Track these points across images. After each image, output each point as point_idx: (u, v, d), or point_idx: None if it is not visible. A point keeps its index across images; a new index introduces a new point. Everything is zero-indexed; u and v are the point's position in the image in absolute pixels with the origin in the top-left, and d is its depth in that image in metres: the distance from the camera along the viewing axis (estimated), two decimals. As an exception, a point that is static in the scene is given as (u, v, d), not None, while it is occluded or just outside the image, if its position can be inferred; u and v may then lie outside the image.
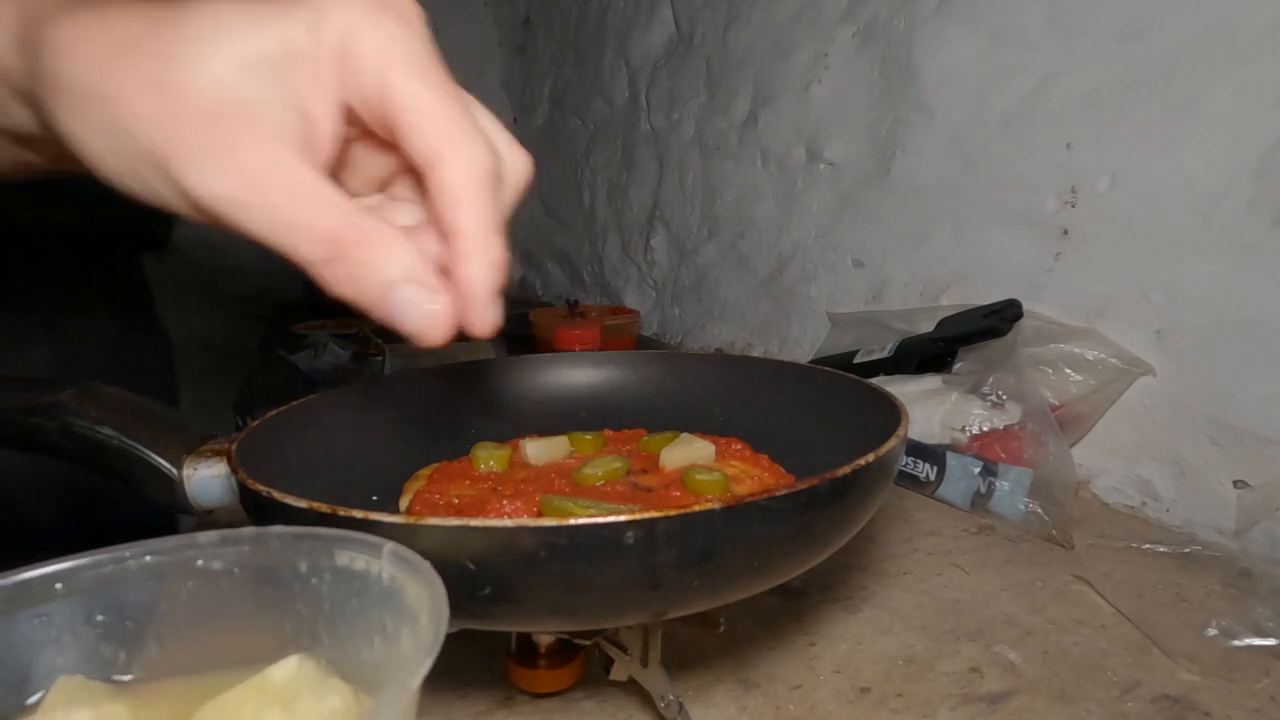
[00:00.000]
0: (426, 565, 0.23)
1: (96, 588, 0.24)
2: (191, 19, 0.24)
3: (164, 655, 0.24)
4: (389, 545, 0.23)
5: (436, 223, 0.27)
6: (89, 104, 0.23)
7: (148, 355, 0.91)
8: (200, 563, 0.25)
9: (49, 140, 0.26)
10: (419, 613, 0.21)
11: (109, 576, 0.24)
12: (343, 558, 0.24)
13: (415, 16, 0.26)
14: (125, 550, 0.24)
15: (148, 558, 0.24)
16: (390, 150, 0.29)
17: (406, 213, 0.30)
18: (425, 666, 0.19)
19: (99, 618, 0.24)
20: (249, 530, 0.25)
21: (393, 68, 0.25)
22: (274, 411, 0.43)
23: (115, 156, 0.24)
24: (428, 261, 0.26)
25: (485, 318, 0.27)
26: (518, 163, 0.29)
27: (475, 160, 0.26)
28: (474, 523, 0.28)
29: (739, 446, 0.49)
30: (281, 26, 0.24)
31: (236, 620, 0.25)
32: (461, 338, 0.28)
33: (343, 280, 0.25)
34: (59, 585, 0.23)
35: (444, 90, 0.26)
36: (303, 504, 0.29)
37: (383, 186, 0.32)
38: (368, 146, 0.30)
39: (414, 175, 0.29)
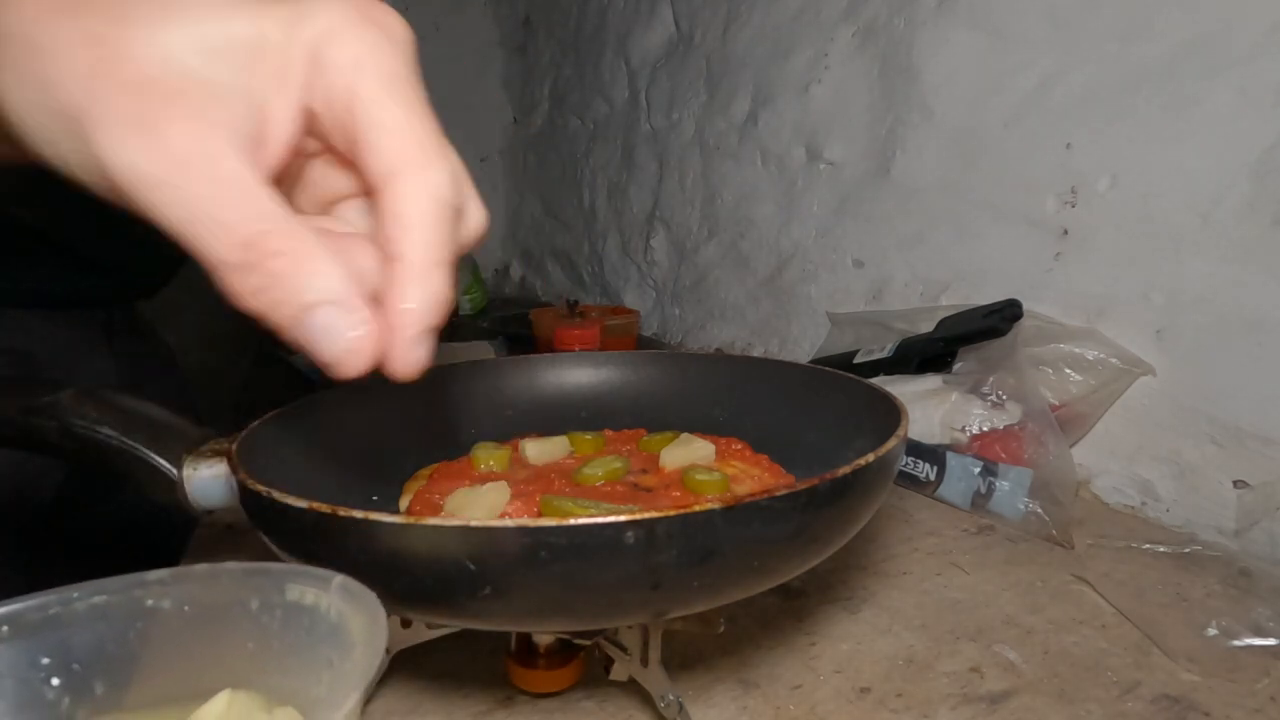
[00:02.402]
0: (372, 596, 0.22)
1: (43, 630, 0.24)
2: None
3: (108, 696, 0.24)
4: (338, 578, 0.23)
5: (381, 245, 0.24)
6: (23, 53, 0.21)
7: (156, 381, 0.91)
8: (150, 602, 0.24)
9: None
10: (358, 641, 0.21)
11: (56, 619, 0.24)
12: (293, 592, 0.24)
13: (402, 35, 0.25)
14: (73, 591, 0.24)
15: (96, 598, 0.24)
16: (349, 170, 0.27)
17: (349, 222, 0.28)
18: (352, 699, 0.18)
19: (44, 660, 0.24)
20: (201, 567, 0.24)
21: (365, 77, 0.23)
22: (274, 411, 0.43)
23: (36, 114, 0.21)
24: (357, 282, 0.23)
25: (409, 358, 0.24)
26: (477, 212, 0.27)
27: (435, 184, 0.24)
28: (474, 523, 0.28)
29: (739, 446, 0.49)
30: (256, 17, 0.23)
31: (184, 658, 0.25)
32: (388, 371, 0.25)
33: (254, 293, 0.22)
34: (5, 628, 0.23)
35: (416, 109, 0.24)
36: (303, 504, 0.29)
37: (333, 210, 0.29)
38: (326, 164, 0.27)
39: (371, 198, 0.27)
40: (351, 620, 0.22)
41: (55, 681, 0.24)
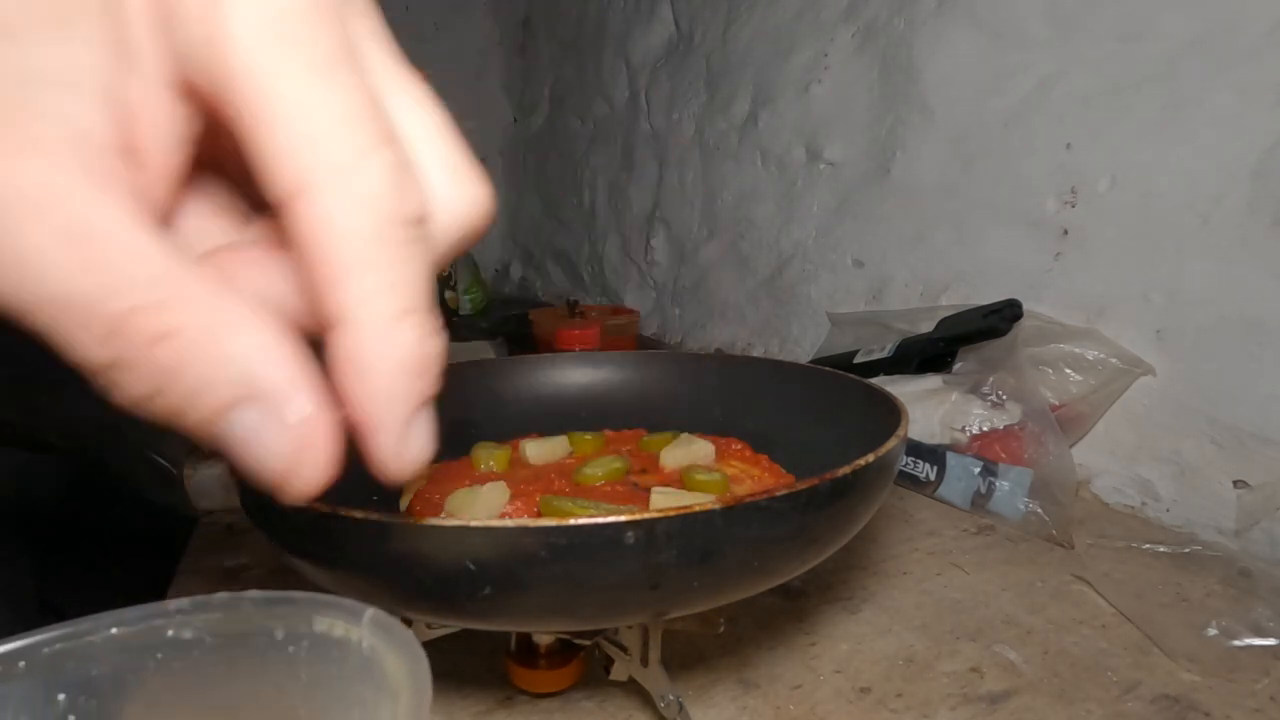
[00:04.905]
0: (409, 634, 0.21)
1: (59, 663, 0.22)
2: None
3: None
4: (370, 611, 0.22)
5: (310, 296, 0.17)
6: None
7: None
8: (170, 633, 0.23)
9: None
10: (399, 688, 0.20)
11: (71, 652, 0.23)
12: (321, 624, 0.23)
13: None
14: (89, 622, 0.23)
15: (113, 630, 0.23)
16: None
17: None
18: None
19: (60, 696, 0.22)
20: (222, 595, 0.24)
21: (232, 20, 0.14)
22: (274, 411, 0.43)
23: None
24: (293, 341, 0.16)
25: (398, 451, 0.17)
26: (463, 197, 0.18)
27: (369, 194, 0.15)
28: (474, 523, 0.28)
29: (739, 446, 0.49)
30: None
31: (206, 691, 0.24)
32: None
33: (145, 399, 0.16)
34: (21, 663, 0.22)
35: (326, 70, 0.15)
36: (302, 504, 0.29)
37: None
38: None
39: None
40: (385, 656, 0.21)
41: (72, 718, 0.22)
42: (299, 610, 0.23)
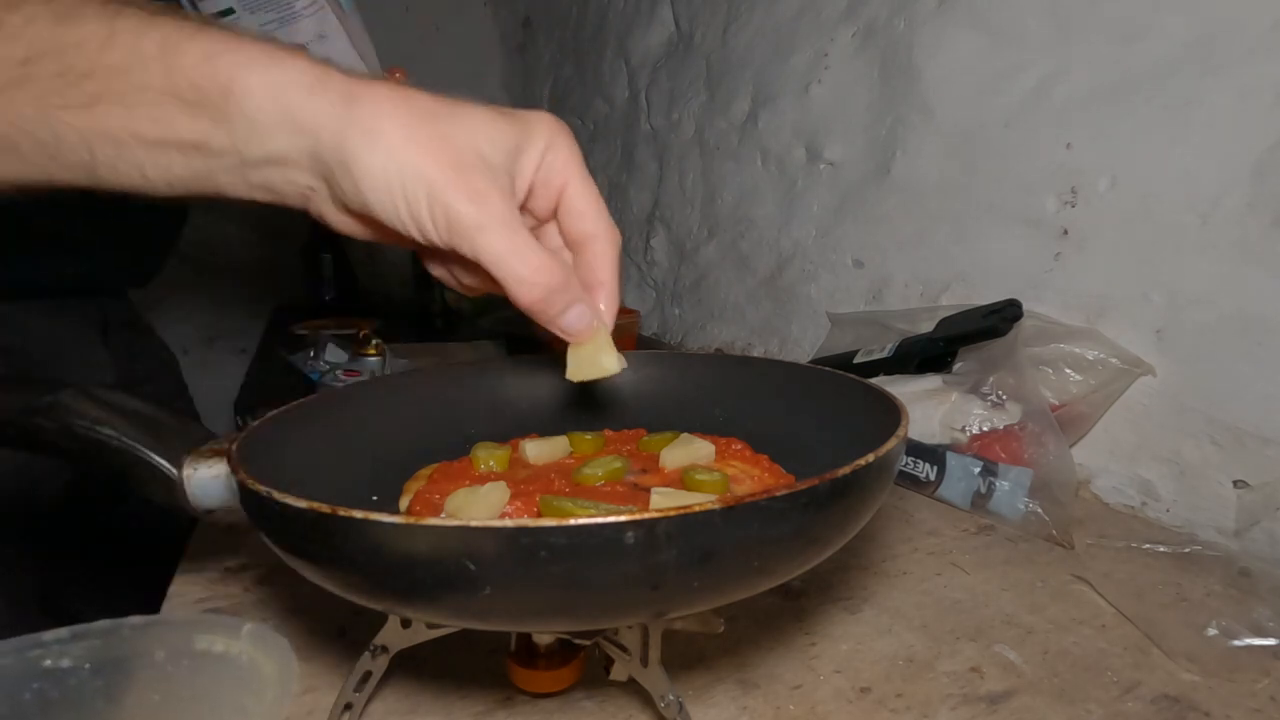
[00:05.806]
0: (283, 641, 0.22)
1: None
2: (464, 111, 0.36)
3: None
4: (247, 626, 0.23)
5: (586, 273, 0.41)
6: (391, 141, 0.34)
7: (154, 380, 0.91)
8: (48, 662, 0.23)
9: (272, 164, 0.35)
10: (266, 685, 0.21)
11: None
12: (202, 642, 0.23)
13: (573, 138, 0.40)
14: None
15: None
16: (524, 211, 0.41)
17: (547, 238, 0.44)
18: None
19: None
20: (103, 623, 0.24)
21: (573, 173, 0.39)
22: (274, 411, 0.43)
23: (393, 179, 0.34)
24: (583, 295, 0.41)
25: (605, 307, 0.42)
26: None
27: (615, 241, 0.41)
28: (474, 523, 0.28)
29: (739, 446, 0.49)
30: (514, 130, 0.37)
31: (88, 715, 0.23)
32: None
33: (534, 301, 0.38)
34: None
35: (597, 193, 0.41)
36: (303, 504, 0.29)
37: None
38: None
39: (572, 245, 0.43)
40: (264, 665, 0.22)
41: None
42: (179, 631, 0.24)
